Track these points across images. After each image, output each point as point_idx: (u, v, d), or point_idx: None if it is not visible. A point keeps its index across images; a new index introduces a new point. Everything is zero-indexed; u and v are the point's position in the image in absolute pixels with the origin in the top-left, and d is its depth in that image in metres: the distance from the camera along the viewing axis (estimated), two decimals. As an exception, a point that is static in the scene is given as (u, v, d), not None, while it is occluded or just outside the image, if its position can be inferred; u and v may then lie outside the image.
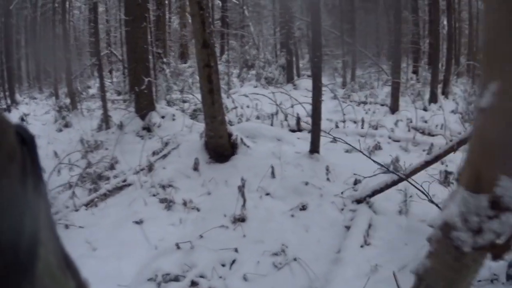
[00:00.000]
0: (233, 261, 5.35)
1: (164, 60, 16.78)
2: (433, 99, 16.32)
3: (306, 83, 16.74)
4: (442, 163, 8.10)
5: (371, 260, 5.07)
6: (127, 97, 13.02)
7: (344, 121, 12.10)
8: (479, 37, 25.44)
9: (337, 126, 11.28)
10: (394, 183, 6.44)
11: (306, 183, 7.22)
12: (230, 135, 8.44)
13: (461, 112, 14.90)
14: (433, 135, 11.46)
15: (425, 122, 12.97)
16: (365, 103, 15.92)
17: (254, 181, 7.26)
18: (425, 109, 15.17)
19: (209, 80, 7.72)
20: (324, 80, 13.08)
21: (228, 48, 25.95)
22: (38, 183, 0.54)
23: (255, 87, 18.59)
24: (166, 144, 9.01)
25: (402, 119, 12.53)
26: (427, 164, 6.39)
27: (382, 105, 15.66)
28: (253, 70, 21.33)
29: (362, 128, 11.60)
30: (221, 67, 17.64)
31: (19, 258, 0.47)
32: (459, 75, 22.43)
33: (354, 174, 7.45)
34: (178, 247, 5.46)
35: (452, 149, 6.23)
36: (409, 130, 11.76)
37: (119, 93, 17.20)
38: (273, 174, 7.48)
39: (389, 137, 10.75)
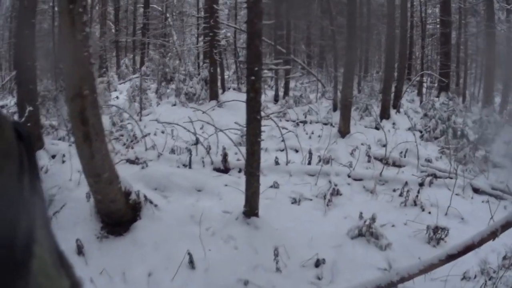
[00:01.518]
0: None
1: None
2: (385, 114, 14.17)
3: (233, 98, 14.22)
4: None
5: None
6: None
7: (283, 150, 9.42)
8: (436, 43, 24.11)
9: (277, 163, 8.64)
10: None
11: (246, 283, 4.59)
12: (127, 194, 5.72)
13: (420, 130, 12.83)
14: (400, 166, 9.20)
15: (384, 146, 10.81)
16: (305, 122, 13.42)
17: (164, 275, 4.77)
18: (377, 128, 13.04)
19: (82, 119, 4.90)
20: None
21: (147, 59, 23.42)
22: (34, 180, 0.55)
23: (173, 105, 15.92)
24: (50, 202, 6.16)
25: (357, 146, 10.16)
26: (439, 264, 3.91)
27: (325, 124, 13.35)
28: (172, 84, 18.56)
29: (309, 163, 9.04)
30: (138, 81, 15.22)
31: (14, 256, 0.47)
32: (416, 86, 20.68)
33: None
34: None
35: (495, 234, 3.86)
36: (369, 161, 9.41)
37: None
38: (191, 263, 4.81)
39: (348, 176, 8.29)
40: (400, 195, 7.57)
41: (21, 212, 0.50)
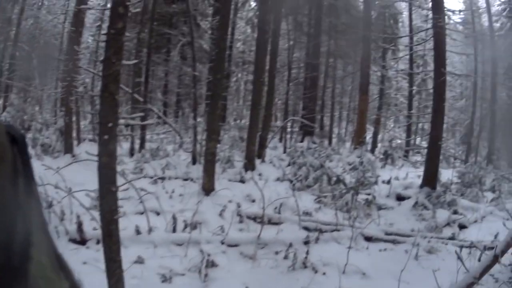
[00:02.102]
0: None
1: None
2: (250, 165, 13.16)
3: (88, 150, 12.16)
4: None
5: None
6: None
7: (142, 213, 7.79)
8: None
9: (138, 231, 7.01)
10: None
11: None
12: None
13: (290, 180, 11.97)
14: (278, 223, 8.14)
15: (253, 201, 9.81)
16: (163, 178, 11.88)
17: None
18: (242, 181, 11.94)
19: None
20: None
21: (8, 104, 20.95)
22: (29, 183, 0.54)
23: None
24: None
25: (226, 205, 8.89)
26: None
27: (186, 179, 11.94)
28: (30, 133, 16.07)
29: (174, 229, 7.53)
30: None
31: (11, 259, 0.47)
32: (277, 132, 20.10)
33: None
34: None
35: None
36: (242, 221, 8.20)
37: None
38: None
39: (222, 242, 6.94)
40: (285, 257, 6.45)
41: (17, 215, 0.49)
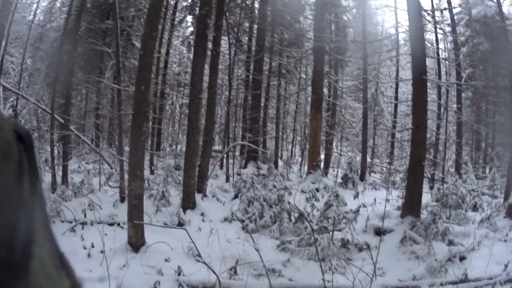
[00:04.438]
0: None
1: None
2: (189, 203, 10.82)
3: None
4: None
5: None
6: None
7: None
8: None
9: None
10: None
11: None
12: None
13: (241, 219, 9.68)
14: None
15: (198, 257, 7.42)
16: (84, 224, 9.49)
17: None
18: (181, 223, 9.97)
19: None
20: None
21: None
22: (34, 181, 0.54)
23: None
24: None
25: (161, 268, 6.59)
26: None
27: (111, 224, 9.83)
28: None
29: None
30: None
31: (13, 257, 0.47)
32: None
33: None
34: None
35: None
36: None
37: None
38: None
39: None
40: None
41: (20, 213, 0.49)
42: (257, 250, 6.17)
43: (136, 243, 7.70)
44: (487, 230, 10.27)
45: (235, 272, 6.76)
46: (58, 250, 0.58)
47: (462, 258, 8.72)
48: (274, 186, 10.50)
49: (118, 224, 9.73)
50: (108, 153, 17.56)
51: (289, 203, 9.74)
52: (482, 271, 8.01)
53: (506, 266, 8.08)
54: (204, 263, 6.05)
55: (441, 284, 7.09)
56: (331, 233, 8.35)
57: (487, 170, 22.34)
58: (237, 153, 21.07)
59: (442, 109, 18.77)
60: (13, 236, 0.47)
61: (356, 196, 14.00)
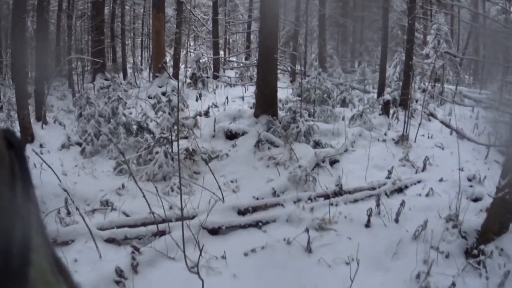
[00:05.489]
0: None
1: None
2: (26, 136, 10.13)
3: None
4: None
5: None
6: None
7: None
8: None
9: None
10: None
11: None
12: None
13: (79, 143, 9.42)
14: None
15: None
16: None
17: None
18: None
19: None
20: None
21: None
22: (27, 188, 0.55)
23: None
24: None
25: None
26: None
27: None
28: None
29: None
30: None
31: (11, 264, 0.47)
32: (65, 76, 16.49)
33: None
34: None
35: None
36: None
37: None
38: None
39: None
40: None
41: (15, 220, 0.49)
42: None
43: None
44: (361, 128, 9.51)
45: (69, 213, 5.81)
46: (55, 255, 0.57)
47: (333, 162, 7.82)
48: (109, 98, 9.52)
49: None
50: None
51: (124, 115, 8.76)
52: (361, 178, 7.16)
53: (390, 172, 7.19)
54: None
55: (310, 199, 6.05)
56: (173, 144, 7.29)
57: (356, 65, 22.24)
58: (87, 69, 19.82)
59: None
60: (10, 243, 0.47)
61: (199, 96, 13.28)
